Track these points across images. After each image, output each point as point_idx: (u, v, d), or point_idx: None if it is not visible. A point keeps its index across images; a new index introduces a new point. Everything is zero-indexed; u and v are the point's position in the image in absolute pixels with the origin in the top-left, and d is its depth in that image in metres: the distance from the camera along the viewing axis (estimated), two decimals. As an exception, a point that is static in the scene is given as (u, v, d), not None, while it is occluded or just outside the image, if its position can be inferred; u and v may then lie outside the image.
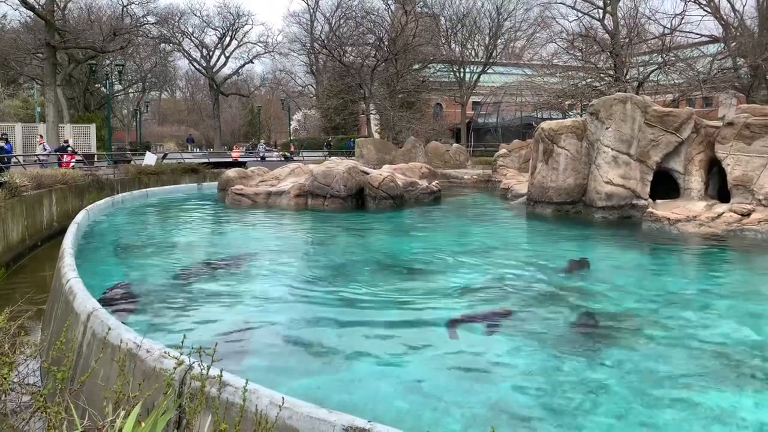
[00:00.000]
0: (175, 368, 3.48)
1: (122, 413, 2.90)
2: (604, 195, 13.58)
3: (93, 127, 35.81)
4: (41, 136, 28.38)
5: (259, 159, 38.48)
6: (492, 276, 8.56)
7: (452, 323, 6.23)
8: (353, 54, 47.69)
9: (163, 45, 56.21)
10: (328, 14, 55.85)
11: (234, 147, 49.65)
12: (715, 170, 13.65)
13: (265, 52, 63.35)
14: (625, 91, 22.79)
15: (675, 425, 4.17)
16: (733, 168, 12.77)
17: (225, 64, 63.37)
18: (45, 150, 25.95)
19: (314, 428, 2.97)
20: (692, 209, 12.47)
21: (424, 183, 18.52)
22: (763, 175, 12.43)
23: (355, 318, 6.50)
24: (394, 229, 13.18)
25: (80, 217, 11.76)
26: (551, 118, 28.78)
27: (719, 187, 13.59)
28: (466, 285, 7.95)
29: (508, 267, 9.29)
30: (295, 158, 39.16)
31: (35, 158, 24.57)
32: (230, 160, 36.90)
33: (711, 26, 35.39)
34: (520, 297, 7.39)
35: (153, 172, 25.87)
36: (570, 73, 36.14)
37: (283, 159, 37.65)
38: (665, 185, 13.92)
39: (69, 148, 26.29)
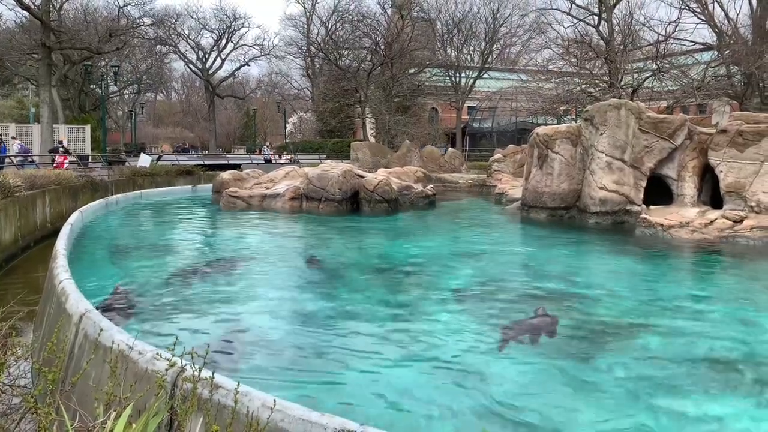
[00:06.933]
0: (167, 370, 3.47)
1: (113, 414, 2.89)
2: (597, 200, 13.63)
3: (87, 128, 35.72)
4: (13, 137, 28.11)
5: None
6: (485, 280, 8.56)
7: (503, 337, 6.04)
8: (349, 58, 47.81)
9: (158, 47, 56.18)
10: (324, 18, 56.07)
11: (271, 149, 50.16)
12: (708, 177, 13.72)
13: (261, 55, 63.53)
14: (620, 98, 22.92)
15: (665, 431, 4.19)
16: (725, 175, 12.85)
17: (221, 66, 63.50)
18: (19, 149, 25.58)
19: (306, 431, 2.97)
20: (685, 215, 12.53)
21: (419, 187, 18.53)
22: (756, 182, 12.51)
23: (348, 322, 6.50)
24: (389, 233, 13.18)
25: (74, 218, 11.70)
26: (546, 124, 28.95)
27: (712, 194, 13.66)
28: (460, 289, 7.96)
29: (502, 271, 9.31)
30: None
31: (9, 159, 23.93)
32: (225, 162, 36.92)
33: (705, 34, 35.67)
34: (514, 301, 7.41)
35: (147, 174, 25.85)
36: (565, 78, 36.37)
37: (289, 161, 37.76)
38: (659, 191, 13.98)
39: (61, 149, 26.17)
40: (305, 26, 60.03)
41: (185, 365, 3.47)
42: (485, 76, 51.01)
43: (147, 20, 48.08)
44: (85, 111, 44.22)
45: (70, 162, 25.40)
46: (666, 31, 33.05)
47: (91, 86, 45.64)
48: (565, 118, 39.61)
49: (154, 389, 3.27)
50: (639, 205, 13.45)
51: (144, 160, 28.32)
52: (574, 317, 6.71)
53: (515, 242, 13.04)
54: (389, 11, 50.66)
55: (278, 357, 5.45)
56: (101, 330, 4.29)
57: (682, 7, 31.95)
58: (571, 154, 14.52)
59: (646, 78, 33.26)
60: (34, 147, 30.55)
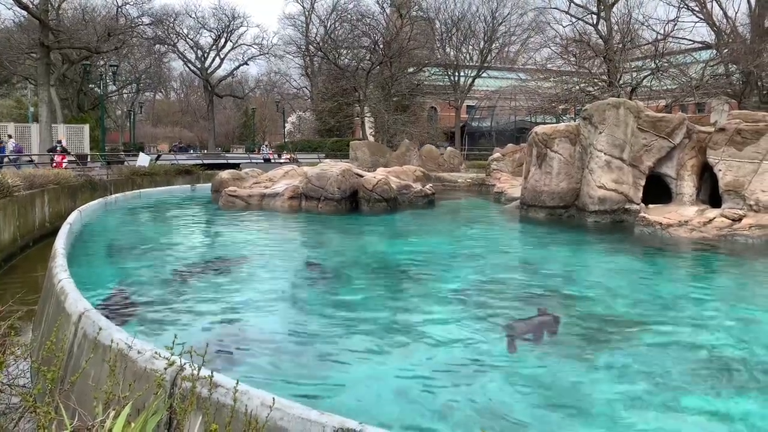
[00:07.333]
0: (166, 369, 3.47)
1: (112, 413, 2.89)
2: (596, 199, 13.64)
3: (86, 127, 35.63)
4: (9, 136, 28.21)
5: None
6: (485, 280, 8.57)
7: (509, 337, 6.03)
8: (348, 57, 47.76)
9: (157, 46, 56.09)
10: (323, 17, 56.12)
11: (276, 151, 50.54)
12: (706, 175, 13.73)
13: (260, 54, 63.39)
14: (619, 96, 22.93)
15: (663, 429, 4.19)
16: (724, 173, 12.86)
17: (220, 65, 63.31)
18: (13, 148, 25.65)
19: (305, 429, 2.97)
20: (684, 214, 12.54)
21: (418, 186, 18.52)
22: (755, 180, 12.52)
23: (347, 321, 6.50)
24: (388, 232, 13.19)
25: (72, 217, 11.69)
26: (545, 123, 28.95)
27: (711, 192, 13.67)
28: (460, 289, 7.96)
29: (501, 271, 9.32)
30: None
31: (8, 158, 24.21)
32: (224, 161, 36.94)
33: (703, 32, 35.75)
34: (514, 301, 7.42)
35: (146, 173, 25.83)
36: (564, 77, 36.39)
37: (289, 161, 37.74)
38: (657, 190, 13.99)
39: (59, 148, 26.14)
40: (304, 25, 60.03)
41: (184, 364, 3.47)
42: (484, 75, 50.97)
43: (146, 19, 48.08)
44: (84, 110, 44.14)
45: (69, 161, 25.38)
46: (664, 30, 33.11)
47: (90, 85, 45.59)
48: (564, 117, 39.63)
49: (153, 388, 3.28)
50: (638, 204, 13.46)
51: (143, 160, 28.30)
52: (575, 316, 6.72)
53: (514, 241, 13.05)
54: (388, 10, 50.66)
55: (277, 356, 5.45)
56: (100, 329, 4.29)
57: (681, 5, 32.01)
58: (570, 153, 14.52)
59: (645, 77, 33.29)
60: (32, 146, 30.50)
